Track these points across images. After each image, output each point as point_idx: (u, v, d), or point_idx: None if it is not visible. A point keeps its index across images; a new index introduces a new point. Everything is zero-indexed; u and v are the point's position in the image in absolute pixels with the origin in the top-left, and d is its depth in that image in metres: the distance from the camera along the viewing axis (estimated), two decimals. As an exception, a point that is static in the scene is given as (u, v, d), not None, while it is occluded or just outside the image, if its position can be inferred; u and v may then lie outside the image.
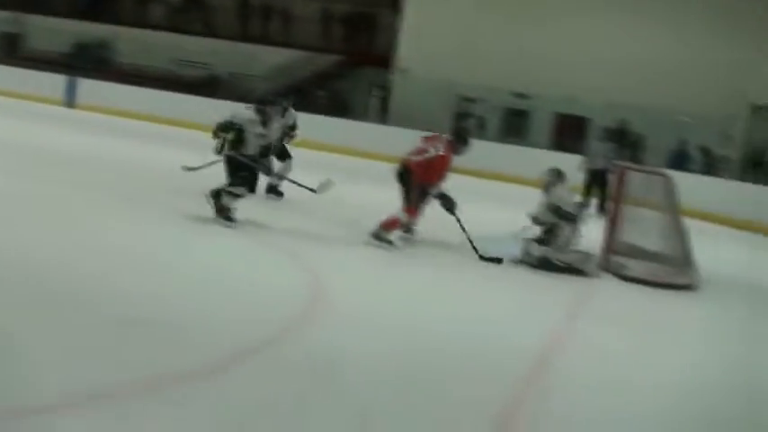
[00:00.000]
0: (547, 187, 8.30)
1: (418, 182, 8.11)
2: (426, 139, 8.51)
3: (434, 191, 8.18)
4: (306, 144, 16.86)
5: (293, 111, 10.41)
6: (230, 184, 8.06)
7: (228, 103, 19.93)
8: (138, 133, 16.50)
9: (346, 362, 4.73)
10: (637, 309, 7.27)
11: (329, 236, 8.49)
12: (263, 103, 8.48)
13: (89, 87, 20.44)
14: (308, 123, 18.18)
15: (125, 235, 7.28)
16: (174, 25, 25.55)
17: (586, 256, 8.06)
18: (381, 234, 8.05)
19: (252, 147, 8.17)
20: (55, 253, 6.24)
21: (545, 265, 7.95)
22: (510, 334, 5.82)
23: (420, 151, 8.26)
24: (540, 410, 4.46)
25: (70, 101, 20.55)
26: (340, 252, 7.91)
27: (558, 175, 8.32)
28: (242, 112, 8.38)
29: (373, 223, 8.12)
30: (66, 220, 7.53)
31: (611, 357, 5.62)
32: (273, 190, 10.16)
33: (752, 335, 6.99)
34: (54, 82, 20.58)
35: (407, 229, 8.42)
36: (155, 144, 14.80)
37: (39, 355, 4.17)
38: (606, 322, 6.58)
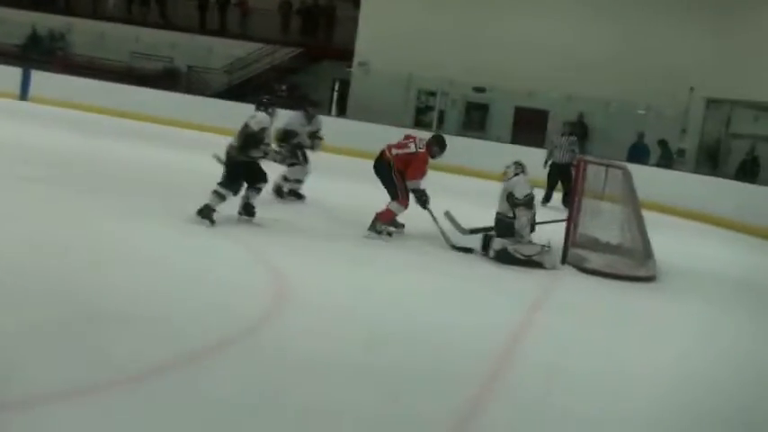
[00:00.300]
0: (506, 177, 8.38)
1: (398, 171, 8.37)
2: (408, 136, 8.83)
3: (412, 185, 8.35)
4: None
5: (320, 117, 10.35)
6: (221, 185, 8.00)
7: (187, 96, 19.97)
8: (95, 127, 16.25)
9: (319, 355, 4.72)
10: (597, 301, 7.31)
11: (295, 230, 8.45)
12: (267, 105, 8.35)
13: (44, 80, 20.07)
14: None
15: (94, 230, 7.14)
16: (130, 17, 25.22)
17: (546, 248, 8.08)
18: (378, 227, 8.27)
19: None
20: (25, 249, 6.13)
21: (504, 257, 7.97)
22: (474, 327, 5.81)
23: (401, 146, 8.54)
24: (505, 401, 4.47)
25: (25, 94, 20.15)
26: (305, 246, 7.84)
27: (518, 167, 8.39)
28: (261, 115, 8.18)
29: (335, 216, 8.11)
30: (31, 215, 7.38)
31: (573, 348, 5.65)
32: (294, 193, 10.03)
33: (711, 325, 7.08)
34: (8, 75, 20.13)
35: (396, 223, 8.62)
36: (112, 138, 14.56)
37: (22, 351, 4.15)
38: (568, 314, 6.63)
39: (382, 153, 8.59)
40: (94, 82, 19.68)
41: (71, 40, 24.37)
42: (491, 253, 8.04)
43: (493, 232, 8.26)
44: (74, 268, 5.87)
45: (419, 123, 19.61)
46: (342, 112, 21.11)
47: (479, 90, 19.97)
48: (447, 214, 8.58)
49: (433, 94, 20.50)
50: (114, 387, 3.89)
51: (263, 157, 8.15)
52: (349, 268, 7.24)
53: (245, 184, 8.17)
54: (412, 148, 8.47)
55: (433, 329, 5.60)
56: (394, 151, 8.49)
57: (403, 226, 8.71)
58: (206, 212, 7.84)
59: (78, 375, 3.95)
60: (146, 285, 5.73)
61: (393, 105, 19.40)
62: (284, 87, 22.06)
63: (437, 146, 8.64)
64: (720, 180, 15.28)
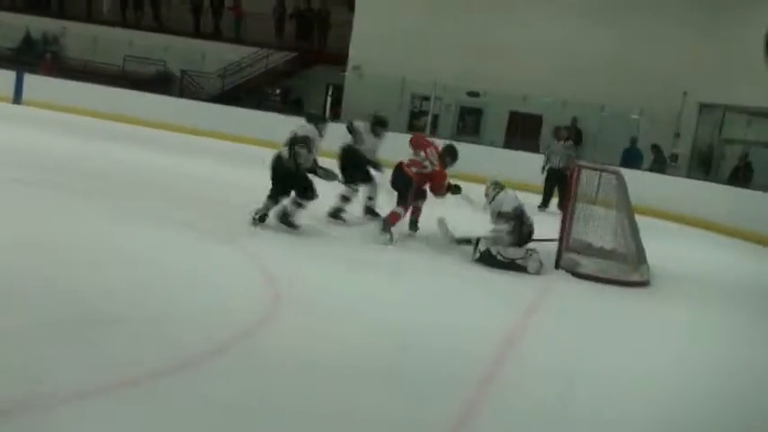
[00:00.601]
0: (489, 199, 8.50)
1: (417, 186, 8.81)
2: (416, 144, 9.06)
3: (440, 195, 8.93)
4: (258, 142, 16.84)
5: (384, 132, 10.03)
6: (299, 196, 8.22)
7: (181, 100, 19.97)
8: (89, 130, 16.24)
9: (315, 358, 4.73)
10: (591, 305, 7.32)
11: (292, 233, 8.32)
12: (318, 120, 8.54)
13: (37, 83, 20.05)
14: (261, 121, 18.25)
15: (90, 232, 7.14)
16: (124, 20, 25.19)
17: (530, 253, 8.10)
18: (389, 227, 8.57)
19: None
20: (20, 251, 6.12)
21: (487, 259, 8.00)
22: (470, 330, 5.82)
23: (416, 163, 8.81)
24: (500, 404, 4.47)
25: (18, 97, 20.11)
26: (302, 249, 7.82)
27: (497, 187, 8.51)
28: (309, 127, 8.36)
29: (332, 219, 8.28)
30: (25, 218, 7.35)
31: (568, 352, 5.67)
32: (370, 210, 9.83)
33: (705, 330, 7.09)
34: (2, 78, 20.09)
35: (414, 227, 9.13)
36: (105, 141, 14.56)
37: (20, 353, 4.17)
38: (562, 318, 6.68)
39: (400, 167, 8.83)
40: (88, 85, 19.69)
41: (65, 43, 24.35)
42: (475, 254, 8.09)
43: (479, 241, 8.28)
44: (69, 271, 5.84)
45: (413, 128, 19.61)
46: (336, 116, 21.09)
47: (473, 94, 20.01)
48: (440, 221, 8.69)
49: (426, 98, 20.52)
50: (114, 390, 3.89)
51: (304, 165, 8.18)
52: (344, 271, 7.23)
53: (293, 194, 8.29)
54: (428, 167, 8.77)
55: (428, 332, 5.61)
56: (414, 169, 8.76)
57: (418, 229, 9.14)
58: (260, 217, 8.24)
59: (78, 378, 3.95)
60: (142, 288, 5.71)
61: (387, 110, 19.29)
62: (278, 92, 22.09)
63: (449, 157, 9.02)
64: (713, 185, 15.34)
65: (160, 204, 8.92)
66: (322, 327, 5.39)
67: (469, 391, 4.57)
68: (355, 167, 9.52)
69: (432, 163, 8.79)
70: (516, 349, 5.60)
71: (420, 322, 5.87)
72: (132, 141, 15.22)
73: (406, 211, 8.82)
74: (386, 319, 5.85)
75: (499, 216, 8.27)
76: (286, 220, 8.23)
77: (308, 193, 8.21)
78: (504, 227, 8.17)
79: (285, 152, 8.19)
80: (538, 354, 5.54)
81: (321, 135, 8.39)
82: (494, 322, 6.16)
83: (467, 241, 8.44)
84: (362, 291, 6.61)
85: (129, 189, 9.78)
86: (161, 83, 22.25)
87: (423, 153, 8.86)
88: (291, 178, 8.20)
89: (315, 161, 8.31)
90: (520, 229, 8.21)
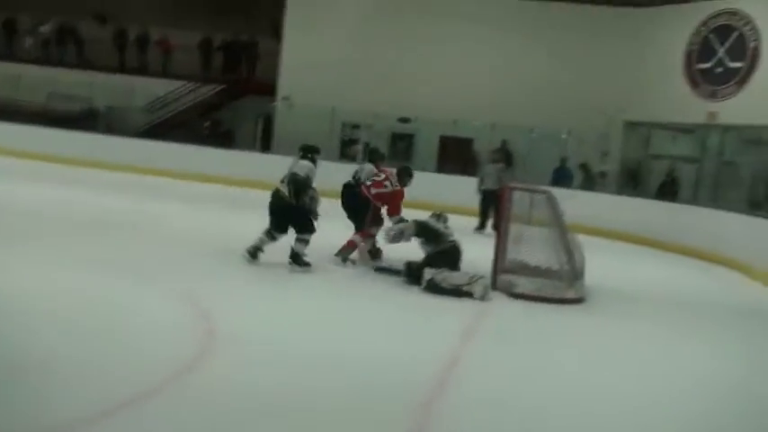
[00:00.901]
0: None
1: (375, 209, 9.11)
2: (383, 169, 9.42)
3: (395, 219, 8.94)
4: (187, 176, 16.60)
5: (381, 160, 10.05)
6: (299, 231, 8.28)
7: (107, 137, 19.59)
8: (15, 171, 15.81)
9: (254, 391, 4.64)
10: (528, 326, 7.39)
11: (225, 267, 8.27)
12: (312, 150, 8.63)
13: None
14: (192, 155, 18.01)
15: (18, 275, 6.89)
16: (47, 57, 24.70)
17: (474, 278, 8.09)
18: (345, 255, 8.88)
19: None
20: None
21: (433, 288, 7.97)
22: (407, 356, 5.79)
23: (378, 185, 9.09)
24: (443, 429, 4.45)
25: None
26: (236, 283, 7.70)
27: (434, 218, 8.86)
28: (305, 163, 8.45)
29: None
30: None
31: (506, 374, 5.68)
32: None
33: (638, 343, 7.17)
34: None
35: (375, 252, 9.28)
36: (31, 182, 14.18)
37: None
38: (499, 340, 6.71)
39: (358, 189, 9.14)
40: (11, 125, 19.18)
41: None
42: (422, 284, 8.05)
43: (404, 272, 8.36)
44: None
45: (344, 156, 19.59)
46: (266, 147, 20.95)
47: (404, 120, 20.11)
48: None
49: (357, 126, 20.55)
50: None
51: (310, 204, 8.26)
52: (281, 301, 7.20)
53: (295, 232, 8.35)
54: (389, 187, 9.04)
55: (365, 359, 5.56)
56: (373, 191, 9.04)
57: (381, 254, 9.25)
58: (253, 252, 8.20)
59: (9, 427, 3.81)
60: (75, 329, 5.52)
61: (318, 139, 19.29)
62: (207, 124, 21.86)
63: (406, 176, 9.34)
64: (642, 200, 15.64)
65: (92, 243, 8.72)
66: (260, 361, 5.27)
67: (408, 418, 4.51)
68: (356, 208, 9.31)
69: (392, 183, 9.07)
70: (455, 374, 5.57)
71: (356, 349, 5.83)
72: (59, 180, 14.86)
73: (363, 237, 9.00)
74: (325, 349, 5.75)
75: (416, 228, 8.61)
76: (298, 260, 8.29)
77: (307, 227, 8.29)
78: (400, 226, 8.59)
79: (283, 188, 8.27)
80: (477, 378, 5.51)
81: (316, 165, 8.53)
82: (433, 348, 6.13)
83: (388, 270, 8.60)
84: (301, 322, 6.51)
85: (60, 229, 9.53)
86: (86, 120, 21.84)
87: (383, 174, 9.19)
88: (290, 213, 8.27)
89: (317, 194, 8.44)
90: (428, 238, 8.50)
